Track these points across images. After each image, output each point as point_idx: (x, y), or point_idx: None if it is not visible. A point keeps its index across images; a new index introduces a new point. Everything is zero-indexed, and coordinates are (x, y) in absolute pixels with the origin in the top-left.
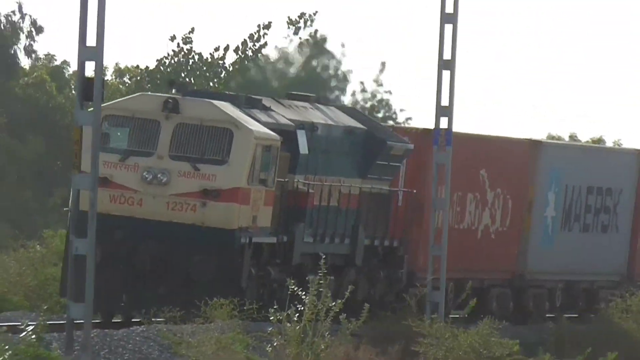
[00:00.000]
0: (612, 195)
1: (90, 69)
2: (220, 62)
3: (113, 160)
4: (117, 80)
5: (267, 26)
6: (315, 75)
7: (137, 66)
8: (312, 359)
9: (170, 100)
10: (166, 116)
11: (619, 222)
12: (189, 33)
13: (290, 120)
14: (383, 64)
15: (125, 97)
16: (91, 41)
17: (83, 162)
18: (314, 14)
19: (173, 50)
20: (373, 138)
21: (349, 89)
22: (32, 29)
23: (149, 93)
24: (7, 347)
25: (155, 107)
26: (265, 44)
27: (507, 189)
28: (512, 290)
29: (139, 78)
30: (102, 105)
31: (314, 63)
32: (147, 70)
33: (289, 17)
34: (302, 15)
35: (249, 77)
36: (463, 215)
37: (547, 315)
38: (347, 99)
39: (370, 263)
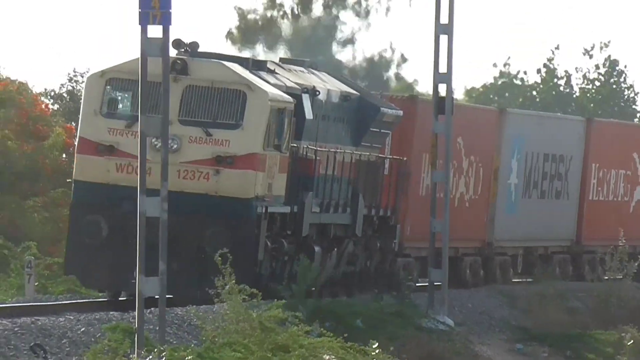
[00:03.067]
0: (564, 162)
1: (442, 90)
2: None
3: (119, 126)
4: (466, 97)
5: (557, 47)
6: (613, 90)
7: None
8: None
9: (178, 61)
10: (174, 78)
11: (570, 189)
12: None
13: (295, 83)
14: None
15: (129, 59)
16: (443, 69)
17: (81, 127)
18: (608, 42)
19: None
20: (367, 104)
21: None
22: (400, 60)
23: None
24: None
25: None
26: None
27: (479, 157)
28: (482, 258)
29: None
30: (106, 68)
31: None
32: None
33: (584, 48)
34: (593, 46)
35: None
36: (443, 184)
37: (513, 280)
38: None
39: (366, 233)
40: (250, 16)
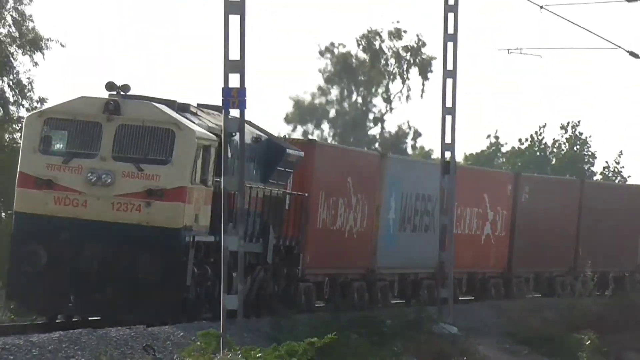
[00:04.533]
0: (432, 201)
1: (447, 155)
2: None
3: (56, 162)
4: (465, 162)
5: (544, 125)
6: (575, 154)
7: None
8: None
9: (111, 102)
10: (107, 118)
11: (435, 224)
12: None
13: (215, 124)
14: (621, 151)
15: (65, 101)
16: (448, 140)
17: (21, 163)
18: (578, 122)
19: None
20: (274, 145)
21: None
22: (414, 134)
23: (90, 95)
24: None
25: (96, 109)
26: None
27: (365, 195)
28: (367, 283)
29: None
30: (44, 109)
31: (575, 148)
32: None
33: (561, 124)
34: (569, 122)
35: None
36: (336, 218)
37: (393, 302)
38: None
39: (275, 261)
40: (302, 102)
